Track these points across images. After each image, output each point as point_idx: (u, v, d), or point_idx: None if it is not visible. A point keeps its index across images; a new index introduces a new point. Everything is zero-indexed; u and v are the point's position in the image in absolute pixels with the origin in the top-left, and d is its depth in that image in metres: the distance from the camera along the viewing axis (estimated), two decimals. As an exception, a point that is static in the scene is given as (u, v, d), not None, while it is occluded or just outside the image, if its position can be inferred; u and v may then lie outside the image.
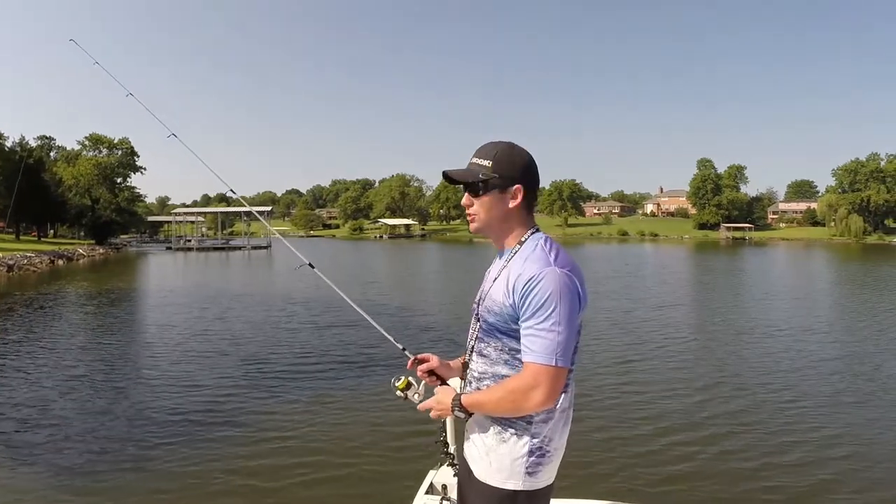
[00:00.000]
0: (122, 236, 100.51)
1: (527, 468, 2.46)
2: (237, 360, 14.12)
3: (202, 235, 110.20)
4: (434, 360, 2.86)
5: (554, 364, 2.30)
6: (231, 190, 5.22)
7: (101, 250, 69.35)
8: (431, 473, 3.98)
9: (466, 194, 2.60)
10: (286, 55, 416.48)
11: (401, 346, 3.23)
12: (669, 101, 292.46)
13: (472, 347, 2.63)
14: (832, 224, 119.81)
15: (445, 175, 2.64)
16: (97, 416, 10.04)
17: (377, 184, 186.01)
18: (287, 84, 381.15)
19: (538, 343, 2.31)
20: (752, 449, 8.76)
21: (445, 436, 3.07)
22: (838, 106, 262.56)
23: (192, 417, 10.00)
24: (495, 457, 2.50)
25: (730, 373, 13.16)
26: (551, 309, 2.30)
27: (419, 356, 2.89)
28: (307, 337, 17.04)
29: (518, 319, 2.38)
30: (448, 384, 2.82)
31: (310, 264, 4.18)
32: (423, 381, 2.85)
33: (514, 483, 2.47)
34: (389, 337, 3.36)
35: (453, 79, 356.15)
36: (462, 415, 2.55)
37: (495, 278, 2.53)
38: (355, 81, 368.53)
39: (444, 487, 3.73)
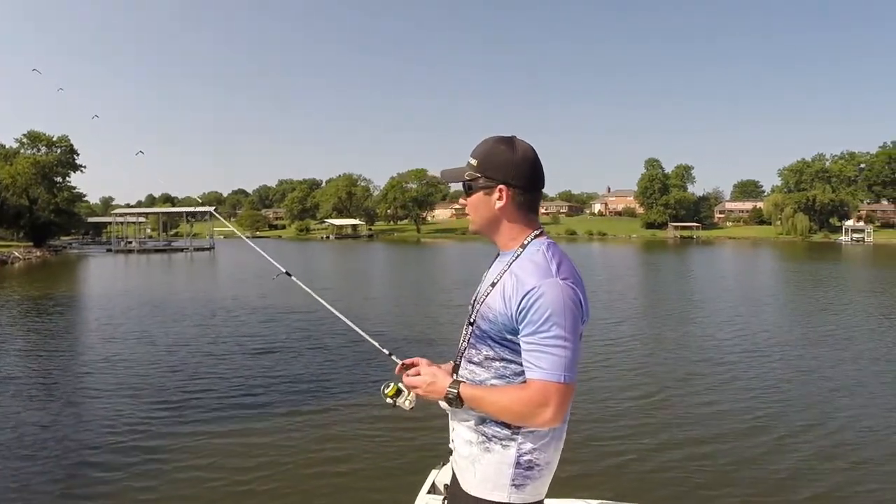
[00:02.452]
0: (63, 238, 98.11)
1: (513, 480, 2.36)
2: (217, 371, 13.46)
3: (146, 237, 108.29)
4: (423, 364, 2.65)
5: (563, 381, 2.20)
6: (213, 211, 5.15)
7: (39, 253, 68.32)
8: (433, 473, 3.95)
9: (463, 195, 2.54)
10: (231, 54, 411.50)
11: (387, 351, 3.13)
12: (617, 102, 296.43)
13: (462, 352, 2.52)
14: (778, 223, 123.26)
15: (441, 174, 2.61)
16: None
17: (324, 184, 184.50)
18: (231, 83, 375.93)
19: (545, 359, 2.20)
20: (750, 449, 8.94)
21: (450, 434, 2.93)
22: (783, 108, 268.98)
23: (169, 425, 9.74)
24: (480, 467, 2.40)
25: (725, 372, 13.69)
26: (555, 323, 2.19)
27: (406, 361, 2.73)
28: (278, 344, 16.41)
29: (514, 330, 2.29)
30: None
31: (287, 273, 4.06)
32: None
33: (500, 495, 2.37)
34: (374, 342, 3.27)
35: (401, 78, 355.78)
36: (452, 403, 2.40)
37: (493, 283, 2.40)
38: (302, 81, 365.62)
39: (447, 487, 3.72)
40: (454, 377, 2.49)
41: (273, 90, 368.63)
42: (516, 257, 2.37)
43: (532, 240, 2.41)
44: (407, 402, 2.66)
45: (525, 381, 2.27)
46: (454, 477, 2.60)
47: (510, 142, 2.42)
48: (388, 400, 2.67)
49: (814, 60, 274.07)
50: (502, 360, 2.35)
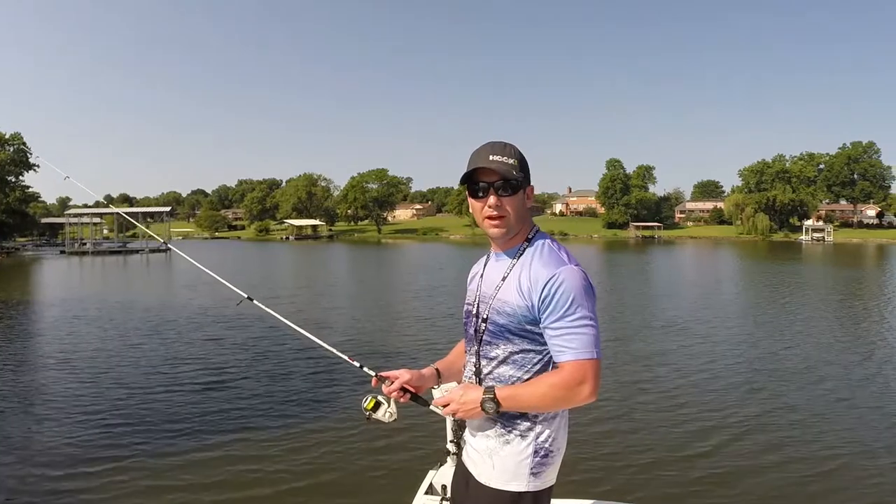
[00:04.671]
0: (19, 239, 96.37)
1: (531, 469, 2.43)
2: (198, 390, 12.20)
3: (103, 238, 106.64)
4: (404, 375, 2.72)
5: (595, 357, 2.31)
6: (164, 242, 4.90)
7: (-11, 255, 66.63)
8: (431, 474, 3.95)
9: (494, 196, 2.46)
10: (184, 56, 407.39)
11: (357, 364, 3.10)
12: (577, 103, 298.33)
13: (476, 351, 2.57)
14: (739, 222, 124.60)
15: (480, 168, 2.46)
16: None
17: (284, 183, 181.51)
18: (188, 85, 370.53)
19: (576, 340, 2.30)
20: (750, 450, 8.95)
21: (447, 434, 2.92)
22: (743, 109, 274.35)
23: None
24: (499, 459, 2.45)
25: (726, 369, 13.85)
26: (580, 305, 2.31)
27: (382, 374, 2.76)
28: (251, 357, 15.30)
29: (534, 320, 2.37)
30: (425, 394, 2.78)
31: (248, 297, 3.96)
32: (392, 399, 2.73)
33: (518, 484, 2.43)
34: (344, 356, 3.23)
35: (355, 81, 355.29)
36: (488, 409, 2.40)
37: (504, 277, 2.48)
38: (260, 82, 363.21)
39: (444, 488, 3.65)
40: (477, 381, 2.54)
41: (231, 90, 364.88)
42: (523, 251, 2.49)
43: (535, 234, 2.54)
44: (387, 415, 2.69)
45: (555, 368, 2.37)
46: (464, 472, 2.63)
47: None
48: (373, 415, 2.70)
49: (774, 63, 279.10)
50: (521, 351, 2.44)
